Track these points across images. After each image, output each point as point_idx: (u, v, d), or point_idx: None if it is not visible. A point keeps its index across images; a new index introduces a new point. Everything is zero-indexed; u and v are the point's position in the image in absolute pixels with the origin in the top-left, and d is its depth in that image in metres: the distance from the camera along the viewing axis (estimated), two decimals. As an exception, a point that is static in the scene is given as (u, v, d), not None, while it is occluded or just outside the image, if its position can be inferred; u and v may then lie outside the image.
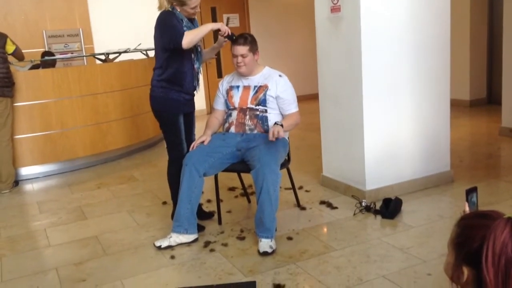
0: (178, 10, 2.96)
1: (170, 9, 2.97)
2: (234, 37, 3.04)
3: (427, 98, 3.62)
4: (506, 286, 1.01)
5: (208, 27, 2.99)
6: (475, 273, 1.06)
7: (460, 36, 6.84)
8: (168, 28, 2.91)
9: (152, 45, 3.12)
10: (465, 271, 1.09)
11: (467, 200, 1.53)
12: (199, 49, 3.11)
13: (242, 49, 3.03)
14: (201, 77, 3.26)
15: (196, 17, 3.10)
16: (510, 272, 1.01)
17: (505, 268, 1.01)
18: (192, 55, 3.06)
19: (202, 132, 3.19)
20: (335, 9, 3.47)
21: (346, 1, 3.37)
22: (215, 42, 3.29)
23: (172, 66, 3.00)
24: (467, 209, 1.51)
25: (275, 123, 2.97)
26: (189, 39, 2.88)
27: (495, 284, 1.01)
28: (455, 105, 5.27)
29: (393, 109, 3.50)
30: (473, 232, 1.08)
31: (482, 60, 7.20)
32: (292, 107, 3.13)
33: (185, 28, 2.96)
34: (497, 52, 6.60)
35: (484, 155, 4.67)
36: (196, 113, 3.35)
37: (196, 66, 3.12)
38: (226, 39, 3.07)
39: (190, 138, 3.24)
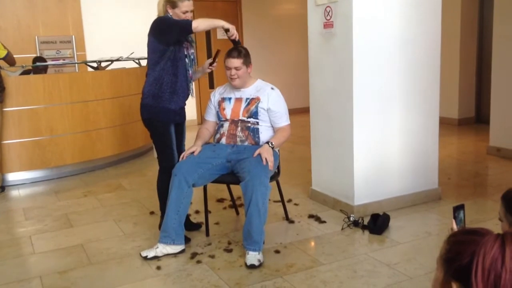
0: (171, 14, 2.99)
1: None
2: (238, 43, 3.09)
3: (417, 116, 3.66)
4: None
5: (220, 23, 2.99)
6: None
7: (450, 55, 6.94)
8: (171, 23, 2.96)
9: (145, 54, 3.13)
10: (454, 287, 1.09)
11: (454, 217, 1.54)
12: (192, 57, 3.12)
13: (236, 62, 3.04)
14: (193, 84, 3.27)
15: None
16: (499, 287, 1.01)
17: (494, 283, 1.02)
18: (187, 60, 3.07)
19: (192, 143, 3.19)
20: (328, 25, 3.51)
21: (339, 17, 3.40)
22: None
23: (164, 75, 3.00)
24: (454, 226, 1.52)
25: (266, 143, 2.99)
26: (198, 22, 2.91)
27: None
28: (444, 123, 5.32)
29: (383, 125, 3.53)
30: (463, 247, 1.09)
31: (471, 79, 7.30)
32: (283, 120, 3.15)
33: None
34: (486, 72, 6.69)
35: (472, 174, 4.71)
36: (186, 123, 3.35)
37: (190, 72, 3.13)
38: (212, 64, 3.17)
39: (180, 148, 3.24)
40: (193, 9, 3.05)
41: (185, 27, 2.91)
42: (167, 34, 2.96)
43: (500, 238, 1.06)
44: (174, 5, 2.97)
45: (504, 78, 5.17)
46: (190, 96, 3.21)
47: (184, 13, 2.98)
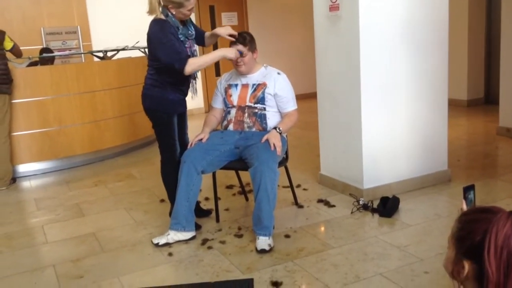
0: (174, 12, 2.88)
1: (163, 16, 2.87)
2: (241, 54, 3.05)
3: (425, 98, 3.63)
4: (507, 278, 1.02)
5: (219, 54, 2.95)
6: (476, 267, 1.07)
7: (458, 36, 6.86)
8: (167, 48, 2.82)
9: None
10: (466, 265, 1.10)
11: (464, 198, 1.54)
12: (195, 54, 3.06)
13: (241, 49, 3.03)
14: (198, 81, 3.23)
15: (189, 18, 3.03)
16: None
17: (507, 260, 1.02)
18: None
19: (199, 131, 3.19)
20: (333, 7, 3.48)
21: (345, 0, 3.37)
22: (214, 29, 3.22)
23: (166, 70, 2.93)
24: (464, 206, 1.52)
25: (274, 128, 2.99)
26: (193, 67, 2.85)
27: (497, 277, 1.02)
28: (453, 104, 5.29)
29: (391, 108, 3.51)
30: (475, 225, 1.09)
31: (479, 60, 7.22)
32: (290, 105, 3.14)
33: (180, 36, 2.91)
34: (495, 52, 6.62)
35: (481, 155, 4.68)
36: (194, 112, 3.37)
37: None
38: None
39: (183, 138, 3.22)
40: None
41: (177, 65, 2.82)
42: (161, 55, 2.87)
43: None
44: (180, 6, 2.84)
45: (514, 58, 5.11)
46: (194, 95, 3.18)
47: (189, 10, 2.90)
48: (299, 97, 3.71)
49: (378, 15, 3.33)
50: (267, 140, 2.91)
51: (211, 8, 8.37)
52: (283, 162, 3.19)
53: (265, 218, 2.80)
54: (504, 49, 5.22)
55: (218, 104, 3.29)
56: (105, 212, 3.69)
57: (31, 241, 3.23)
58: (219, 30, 3.12)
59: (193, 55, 3.02)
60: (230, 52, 2.98)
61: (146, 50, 5.93)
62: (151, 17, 2.94)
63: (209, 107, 3.90)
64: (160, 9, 2.87)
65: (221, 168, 3.11)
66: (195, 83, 3.19)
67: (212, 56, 2.96)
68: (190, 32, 3.02)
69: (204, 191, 3.66)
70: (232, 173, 3.71)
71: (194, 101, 3.29)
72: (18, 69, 4.97)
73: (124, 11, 7.34)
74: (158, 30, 2.86)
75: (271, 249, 2.77)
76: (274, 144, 2.88)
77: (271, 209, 2.83)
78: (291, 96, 3.15)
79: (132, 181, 4.52)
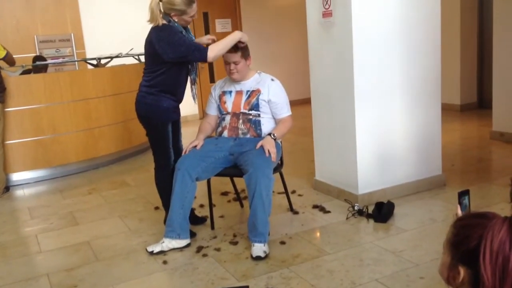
0: (176, 20, 2.89)
1: (165, 22, 2.88)
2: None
3: (419, 102, 3.64)
4: (503, 284, 1.02)
5: (236, 37, 2.94)
6: (471, 273, 1.07)
7: (451, 40, 6.90)
8: (181, 44, 2.82)
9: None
10: (461, 271, 1.09)
11: (459, 203, 1.54)
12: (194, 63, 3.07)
13: (234, 56, 3.02)
14: (195, 88, 3.22)
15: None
16: (507, 269, 1.02)
17: (502, 266, 1.02)
18: (189, 66, 3.04)
19: (193, 138, 3.18)
20: (326, 14, 3.49)
21: (338, 6, 3.38)
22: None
23: (167, 74, 2.94)
24: (459, 211, 1.52)
25: (268, 135, 2.99)
26: (216, 53, 2.85)
27: (492, 282, 1.02)
28: (446, 109, 5.30)
29: (385, 113, 3.52)
30: (471, 231, 1.09)
31: (472, 64, 7.26)
32: (284, 111, 3.14)
33: None
34: (487, 56, 6.66)
35: (475, 159, 4.70)
36: (188, 118, 3.35)
37: (192, 77, 3.10)
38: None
39: (177, 145, 3.21)
40: None
41: (197, 54, 2.83)
42: (175, 52, 2.83)
43: (508, 221, 1.06)
44: (183, 13, 2.87)
45: (506, 62, 5.14)
46: (194, 101, 3.19)
47: (191, 17, 2.92)
48: (294, 103, 3.72)
49: (371, 21, 3.35)
50: (261, 147, 2.91)
51: (205, 15, 8.38)
52: (278, 168, 3.19)
53: (260, 225, 2.79)
54: (496, 53, 5.25)
55: (212, 111, 3.28)
56: (100, 221, 3.67)
57: (25, 250, 3.20)
58: (200, 40, 3.10)
59: (192, 63, 3.03)
60: (245, 36, 2.99)
61: (141, 57, 5.96)
62: (146, 24, 2.94)
63: (203, 114, 3.89)
64: (161, 16, 2.88)
65: (215, 175, 3.10)
66: (195, 88, 3.19)
67: (231, 39, 2.94)
68: (191, 37, 3.03)
69: (198, 198, 3.64)
70: (227, 179, 3.70)
71: (188, 107, 3.27)
72: (11, 77, 4.95)
73: (117, 18, 7.35)
74: (166, 34, 2.85)
75: (266, 256, 2.76)
76: (268, 150, 2.88)
77: (266, 216, 2.82)
78: (285, 102, 3.16)
79: (126, 188, 4.50)
